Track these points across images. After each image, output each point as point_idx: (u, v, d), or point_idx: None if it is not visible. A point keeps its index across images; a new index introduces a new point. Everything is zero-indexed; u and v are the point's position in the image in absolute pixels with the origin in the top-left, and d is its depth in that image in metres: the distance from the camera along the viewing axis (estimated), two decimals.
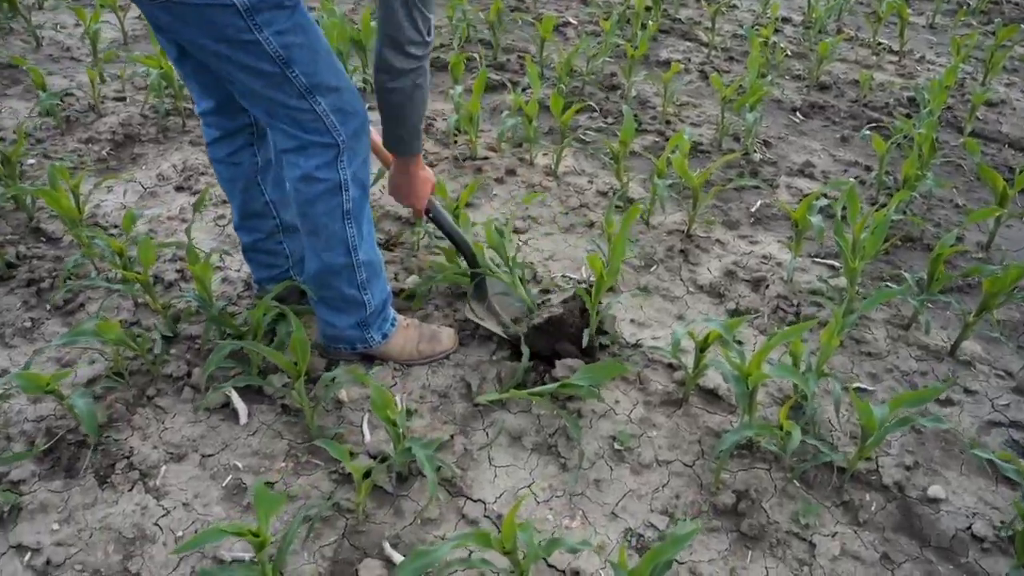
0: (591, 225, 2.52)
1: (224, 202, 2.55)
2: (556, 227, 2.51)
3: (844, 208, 2.22)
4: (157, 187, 2.64)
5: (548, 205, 2.62)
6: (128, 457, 1.59)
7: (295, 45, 1.40)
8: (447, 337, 1.91)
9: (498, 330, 1.92)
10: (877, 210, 2.27)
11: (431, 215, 1.88)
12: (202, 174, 2.70)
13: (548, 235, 2.45)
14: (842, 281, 2.27)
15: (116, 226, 2.39)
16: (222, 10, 1.32)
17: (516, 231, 2.47)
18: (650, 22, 3.67)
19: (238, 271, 2.21)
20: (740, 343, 2.05)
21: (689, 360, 1.91)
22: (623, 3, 4.18)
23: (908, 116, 3.33)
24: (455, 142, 2.83)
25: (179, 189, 2.62)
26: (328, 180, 1.53)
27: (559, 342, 1.87)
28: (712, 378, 1.88)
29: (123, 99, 3.24)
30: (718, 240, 2.49)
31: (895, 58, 3.97)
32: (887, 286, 2.30)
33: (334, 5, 3.46)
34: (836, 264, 2.40)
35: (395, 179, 1.69)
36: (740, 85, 3.08)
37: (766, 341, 1.62)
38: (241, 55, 1.39)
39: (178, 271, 2.19)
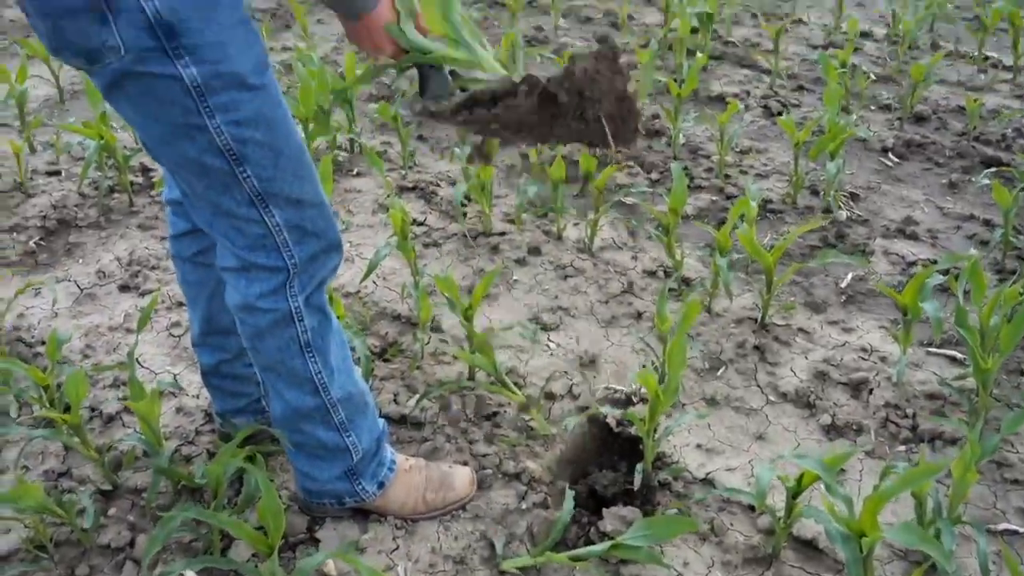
0: (638, 316, 2.44)
1: (180, 304, 2.51)
2: (595, 320, 2.43)
3: (967, 285, 2.13)
4: (97, 287, 2.61)
5: (583, 291, 2.55)
6: None
7: (253, 141, 1.36)
8: (462, 481, 1.82)
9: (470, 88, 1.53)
10: (1010, 284, 2.17)
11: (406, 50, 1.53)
12: (152, 268, 2.68)
13: (584, 329, 2.37)
14: (970, 380, 2.15)
15: (44, 342, 2.35)
16: (168, 84, 1.29)
17: (544, 327, 2.40)
18: (699, 53, 3.65)
19: (196, 397, 2.15)
20: (843, 470, 1.94)
21: (778, 500, 1.79)
22: (663, 26, 4.19)
23: None
24: (464, 215, 2.79)
25: (124, 289, 2.60)
26: (274, 310, 1.49)
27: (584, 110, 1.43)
28: (809, 525, 1.77)
29: (57, 173, 3.26)
30: (801, 329, 2.40)
31: (1008, 76, 3.91)
32: None
33: (313, 52, 3.50)
34: (959, 356, 2.29)
35: (354, 37, 1.52)
36: (818, 124, 3.03)
37: (880, 484, 1.51)
38: (184, 143, 1.35)
39: (121, 398, 2.14)
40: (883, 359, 2.29)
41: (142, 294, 2.57)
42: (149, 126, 1.35)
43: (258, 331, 1.50)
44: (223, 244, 1.47)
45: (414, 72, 1.59)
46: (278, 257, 1.46)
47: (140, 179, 3.19)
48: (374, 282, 2.58)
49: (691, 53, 4.03)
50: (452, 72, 1.56)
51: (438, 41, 1.50)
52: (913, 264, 2.66)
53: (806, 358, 2.29)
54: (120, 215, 2.99)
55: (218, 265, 1.52)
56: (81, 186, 3.10)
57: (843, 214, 2.90)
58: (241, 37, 1.32)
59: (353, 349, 2.04)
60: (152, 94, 1.29)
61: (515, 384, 2.12)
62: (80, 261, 2.75)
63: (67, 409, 1.91)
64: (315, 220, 1.47)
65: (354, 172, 3.17)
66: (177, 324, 2.43)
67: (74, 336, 2.36)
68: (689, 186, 3.03)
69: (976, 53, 4.03)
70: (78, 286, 2.61)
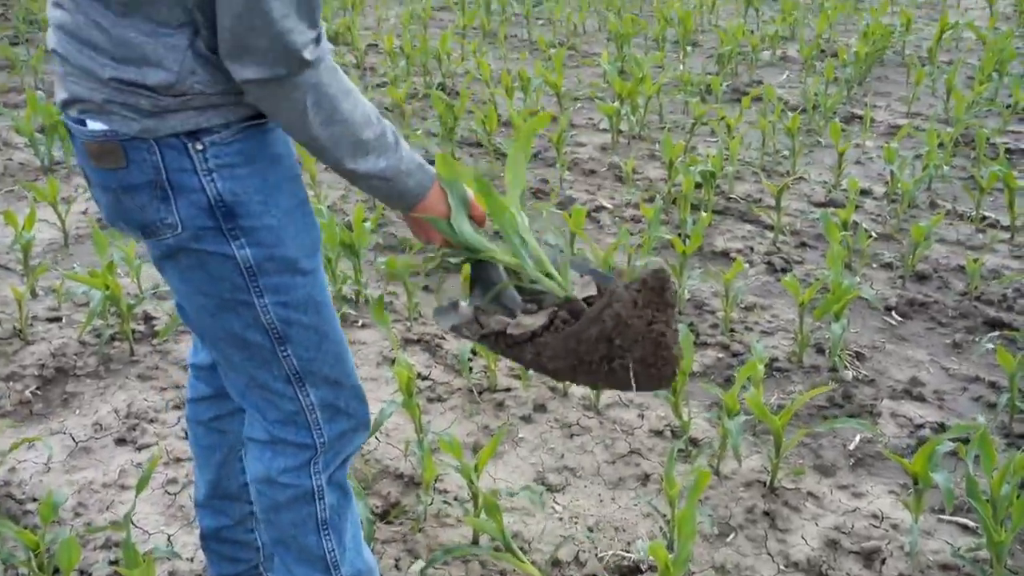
0: (646, 478, 2.48)
1: (177, 460, 2.55)
2: (601, 481, 2.47)
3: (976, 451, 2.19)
4: (92, 440, 2.66)
5: (589, 451, 2.60)
6: None
7: (299, 323, 1.43)
8: None
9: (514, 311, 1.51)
10: (1019, 452, 2.23)
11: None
12: (151, 421, 2.73)
13: (591, 491, 2.41)
14: (984, 551, 2.18)
15: (35, 499, 2.38)
16: (221, 261, 1.36)
17: (550, 488, 2.44)
18: (703, 212, 3.84)
19: (191, 560, 2.16)
20: None
21: None
22: (667, 181, 4.41)
23: None
24: (469, 369, 2.88)
25: (120, 442, 2.64)
26: (295, 486, 1.54)
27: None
28: None
29: (58, 319, 3.36)
30: (811, 494, 2.44)
31: (1006, 235, 4.09)
32: None
33: (321, 204, 3.67)
34: (971, 524, 2.33)
35: (409, 226, 1.53)
36: (823, 285, 3.15)
37: None
38: (229, 317, 1.42)
39: (112, 562, 2.15)
40: (895, 526, 2.32)
41: (139, 448, 2.61)
42: (194, 298, 1.43)
43: (276, 505, 1.55)
44: (253, 415, 1.54)
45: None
46: (307, 435, 1.51)
47: (142, 327, 3.28)
48: (377, 439, 2.63)
49: (695, 208, 4.23)
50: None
51: (488, 239, 1.50)
52: (921, 427, 2.73)
53: (816, 525, 2.32)
54: (120, 364, 3.06)
55: (245, 434, 1.58)
56: (82, 333, 3.19)
57: (849, 374, 2.99)
58: (299, 220, 1.41)
59: None
60: (203, 269, 1.37)
61: (520, 549, 2.14)
62: (77, 412, 2.80)
63: (55, 572, 1.94)
64: (349, 400, 1.54)
65: (359, 324, 3.28)
66: (174, 481, 2.47)
67: (67, 493, 2.39)
68: (695, 342, 3.13)
69: (974, 213, 4.22)
70: (73, 439, 2.66)
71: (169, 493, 2.43)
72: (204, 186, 1.31)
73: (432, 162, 1.47)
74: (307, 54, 1.22)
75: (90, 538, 2.23)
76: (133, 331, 3.20)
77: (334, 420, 1.53)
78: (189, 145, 1.29)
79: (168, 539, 2.25)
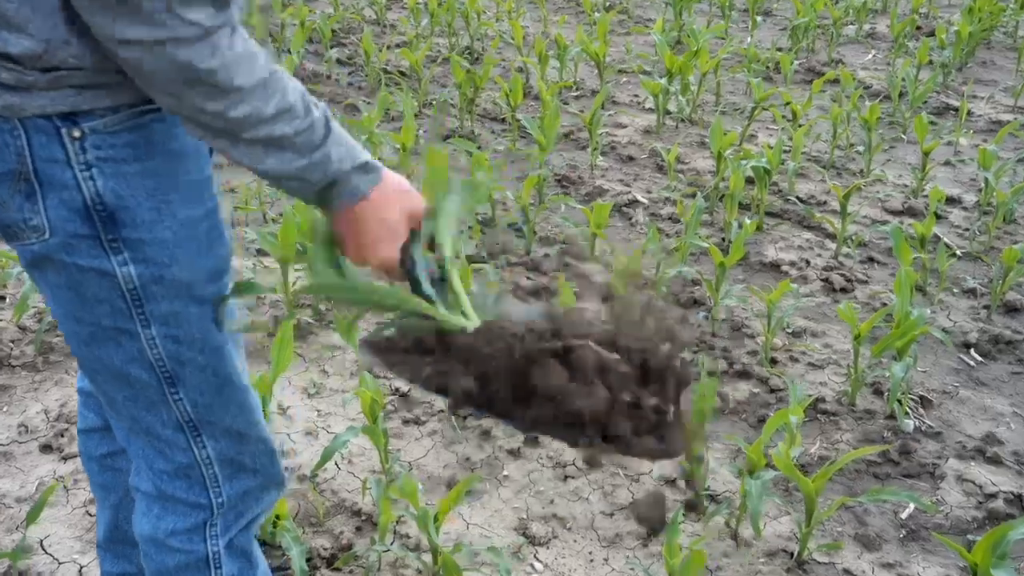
0: (647, 537, 2.33)
1: None
2: (595, 536, 2.33)
3: None
4: (15, 443, 2.58)
5: (584, 498, 2.45)
6: None
7: (192, 363, 1.31)
8: None
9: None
10: None
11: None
12: None
13: (580, 548, 2.27)
14: None
15: None
16: (96, 280, 1.23)
17: (532, 541, 2.30)
18: (747, 219, 3.63)
19: None
20: None
21: None
22: (715, 173, 4.22)
23: None
24: None
25: (45, 449, 2.56)
26: (186, 552, 1.44)
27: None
28: None
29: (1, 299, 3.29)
30: (848, 572, 2.27)
31: None
32: None
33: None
34: None
35: (347, 241, 1.29)
36: (888, 313, 2.96)
37: None
38: (108, 348, 1.29)
39: None
40: None
41: (64, 458, 2.53)
42: (66, 322, 1.30)
43: (163, 570, 1.46)
44: (139, 463, 1.43)
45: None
46: (202, 492, 1.41)
47: None
48: (337, 464, 2.51)
49: (745, 208, 4.04)
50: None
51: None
52: (992, 496, 2.53)
53: None
54: (60, 355, 2.98)
55: (131, 483, 1.48)
56: (22, 317, 3.11)
57: (910, 424, 2.80)
58: (201, 235, 1.27)
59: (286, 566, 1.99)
60: (75, 289, 1.24)
61: None
62: (4, 410, 2.72)
63: None
64: (256, 456, 1.43)
65: (332, 326, 3.15)
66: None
67: None
68: (726, 372, 2.96)
69: None
70: None
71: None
72: (80, 183, 1.17)
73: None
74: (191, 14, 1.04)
75: None
76: None
77: (236, 477, 1.42)
78: (63, 130, 1.15)
79: (79, 571, 2.16)
